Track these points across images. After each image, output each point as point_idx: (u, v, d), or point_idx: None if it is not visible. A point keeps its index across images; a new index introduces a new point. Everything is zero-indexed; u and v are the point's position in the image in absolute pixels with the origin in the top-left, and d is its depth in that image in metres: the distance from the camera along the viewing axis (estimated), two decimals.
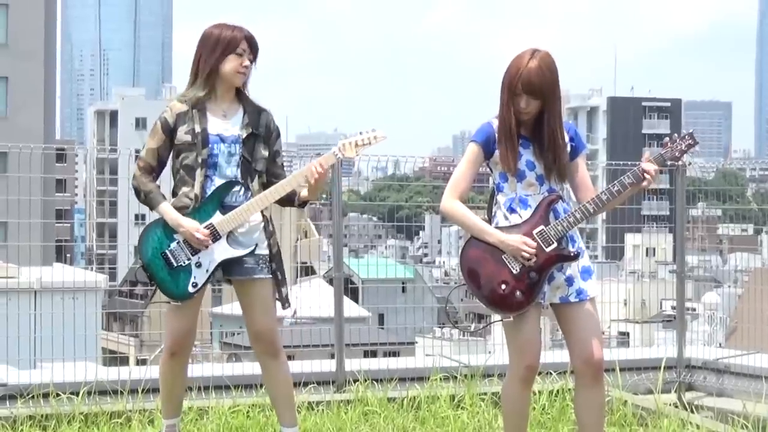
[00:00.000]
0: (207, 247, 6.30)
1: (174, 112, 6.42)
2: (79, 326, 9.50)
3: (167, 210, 6.36)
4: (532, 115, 5.97)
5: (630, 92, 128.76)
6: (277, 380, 6.64)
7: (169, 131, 6.41)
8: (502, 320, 6.09)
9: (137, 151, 6.57)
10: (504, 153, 6.01)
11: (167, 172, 6.57)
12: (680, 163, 6.43)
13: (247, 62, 6.41)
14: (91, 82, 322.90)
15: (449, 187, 6.11)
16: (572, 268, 6.07)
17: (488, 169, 6.18)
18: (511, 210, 6.06)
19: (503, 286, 5.94)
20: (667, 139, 6.13)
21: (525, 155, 6.04)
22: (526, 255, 5.89)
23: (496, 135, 6.03)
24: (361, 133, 6.40)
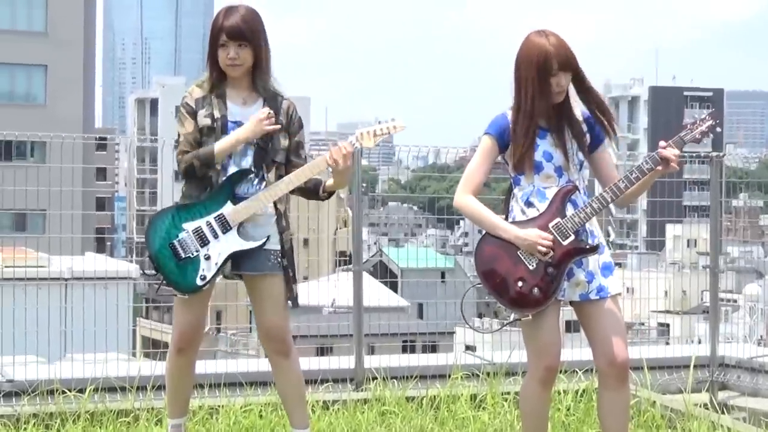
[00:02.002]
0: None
1: (193, 97, 6.21)
2: (110, 317, 9.29)
3: (221, 142, 6.06)
4: (564, 93, 5.75)
5: (672, 82, 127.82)
6: (288, 380, 6.37)
7: (194, 114, 6.18)
8: (520, 320, 5.83)
9: (176, 141, 6.31)
10: (521, 148, 5.76)
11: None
12: (707, 147, 6.18)
13: (232, 53, 6.11)
14: (132, 71, 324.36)
15: (462, 181, 5.87)
16: (592, 264, 5.79)
17: (504, 162, 5.91)
18: (529, 203, 5.80)
19: (520, 284, 5.68)
20: (687, 121, 5.89)
21: (542, 146, 5.78)
22: (542, 250, 5.62)
23: (511, 127, 5.78)
24: (379, 123, 6.18)
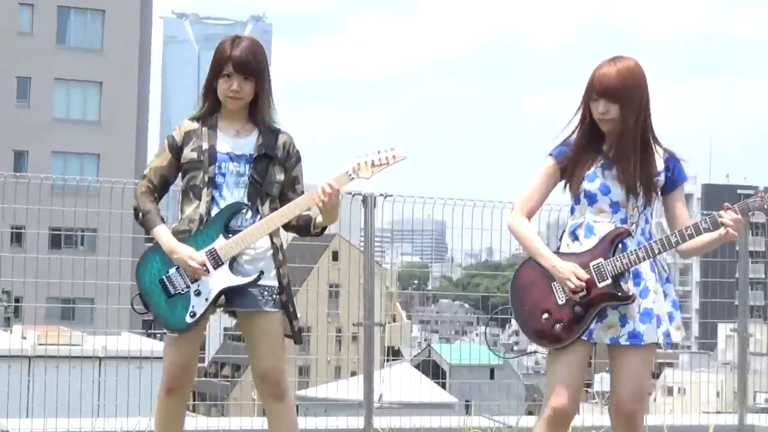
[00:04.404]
0: (200, 276, 5.70)
1: (182, 131, 5.90)
2: (144, 395, 9.02)
3: (162, 234, 5.77)
4: (613, 124, 5.47)
5: (725, 179, 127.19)
6: (281, 426, 5.89)
7: (176, 150, 5.87)
8: (535, 352, 5.56)
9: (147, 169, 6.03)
10: (569, 175, 5.58)
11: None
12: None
13: (235, 86, 5.79)
14: None
15: (518, 201, 5.67)
16: (629, 308, 5.46)
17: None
18: (574, 236, 5.58)
19: (545, 316, 5.47)
20: (762, 190, 5.63)
21: (600, 177, 5.52)
22: (572, 286, 5.37)
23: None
24: (378, 152, 5.76)
